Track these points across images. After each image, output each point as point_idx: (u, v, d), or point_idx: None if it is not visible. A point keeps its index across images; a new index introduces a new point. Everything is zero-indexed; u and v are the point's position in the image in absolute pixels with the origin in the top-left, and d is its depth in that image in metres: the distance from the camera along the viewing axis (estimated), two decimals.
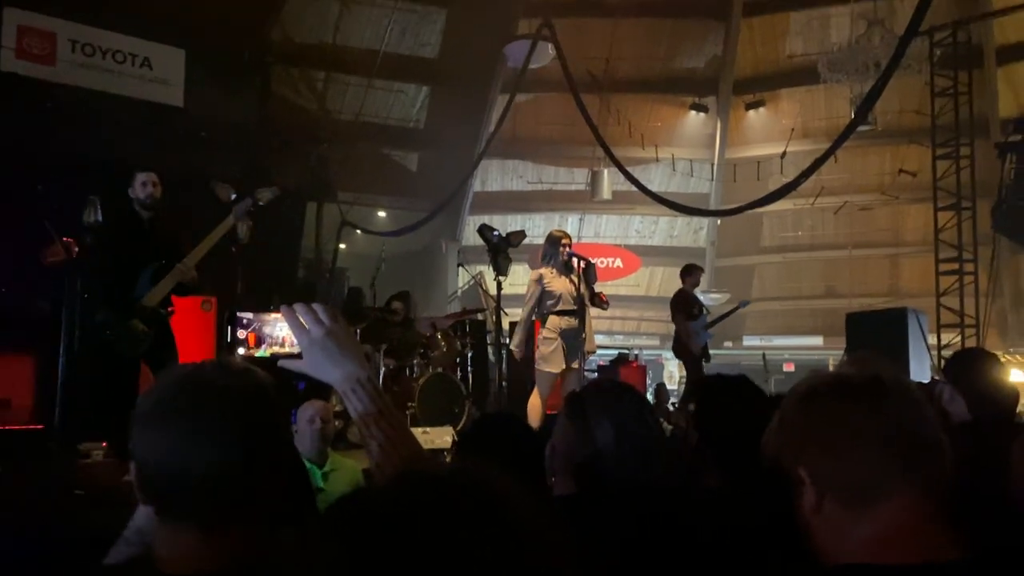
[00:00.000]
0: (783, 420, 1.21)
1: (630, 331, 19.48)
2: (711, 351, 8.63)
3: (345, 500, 0.69)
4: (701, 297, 19.12)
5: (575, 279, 5.99)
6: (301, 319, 1.30)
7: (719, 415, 2.01)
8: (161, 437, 1.07)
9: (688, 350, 8.18)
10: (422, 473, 0.72)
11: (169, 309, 5.01)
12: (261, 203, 6.36)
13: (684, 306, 8.23)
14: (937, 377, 2.66)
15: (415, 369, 7.61)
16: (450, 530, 0.64)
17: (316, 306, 1.32)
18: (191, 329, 6.90)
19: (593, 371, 9.41)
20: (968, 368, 2.61)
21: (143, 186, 4.93)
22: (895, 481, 1.10)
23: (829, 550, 1.13)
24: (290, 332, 1.33)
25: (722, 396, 2.09)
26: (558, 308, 5.90)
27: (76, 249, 5.15)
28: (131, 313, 4.80)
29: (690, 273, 8.49)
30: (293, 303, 1.33)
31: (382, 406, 1.28)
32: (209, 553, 1.07)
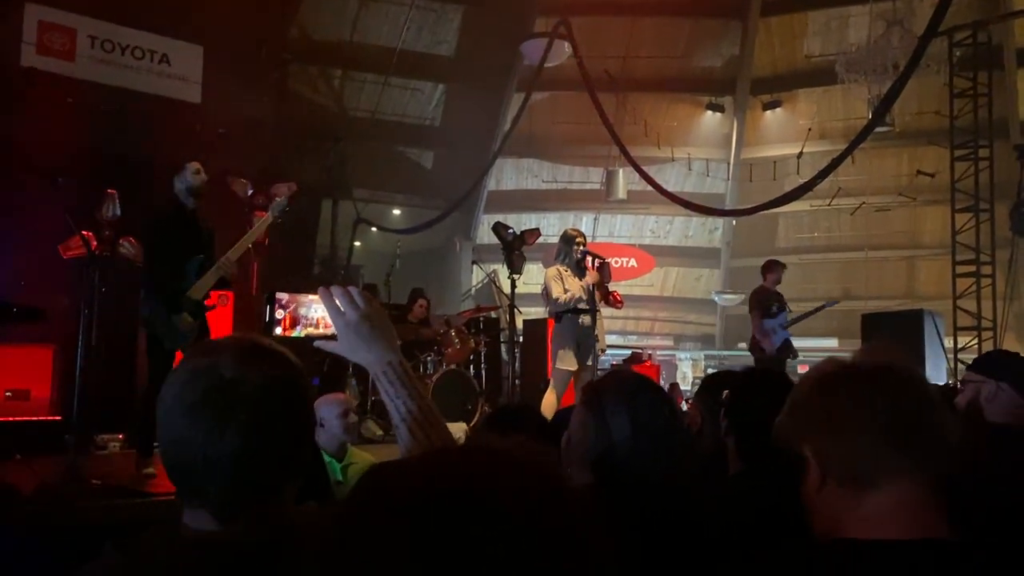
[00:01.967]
0: (794, 401, 1.27)
1: (644, 331, 19.41)
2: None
3: (377, 469, 0.69)
4: (716, 298, 18.98)
5: (588, 278, 6.02)
6: (337, 302, 1.32)
7: (748, 404, 2.08)
8: (178, 428, 1.06)
9: (760, 348, 8.00)
10: (464, 446, 0.72)
11: (208, 303, 5.03)
12: (278, 199, 6.39)
13: (761, 303, 8.04)
14: (973, 377, 2.60)
15: (429, 366, 7.64)
16: (492, 502, 0.62)
17: (352, 289, 1.34)
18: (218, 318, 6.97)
19: (607, 371, 9.40)
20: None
21: (195, 174, 5.00)
22: (891, 466, 1.14)
23: (827, 527, 1.19)
24: (325, 314, 1.35)
25: (757, 386, 2.14)
26: (571, 306, 5.93)
27: (95, 243, 5.19)
28: (179, 306, 4.79)
29: (771, 270, 8.29)
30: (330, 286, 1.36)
31: (412, 390, 1.28)
32: (224, 537, 1.07)
